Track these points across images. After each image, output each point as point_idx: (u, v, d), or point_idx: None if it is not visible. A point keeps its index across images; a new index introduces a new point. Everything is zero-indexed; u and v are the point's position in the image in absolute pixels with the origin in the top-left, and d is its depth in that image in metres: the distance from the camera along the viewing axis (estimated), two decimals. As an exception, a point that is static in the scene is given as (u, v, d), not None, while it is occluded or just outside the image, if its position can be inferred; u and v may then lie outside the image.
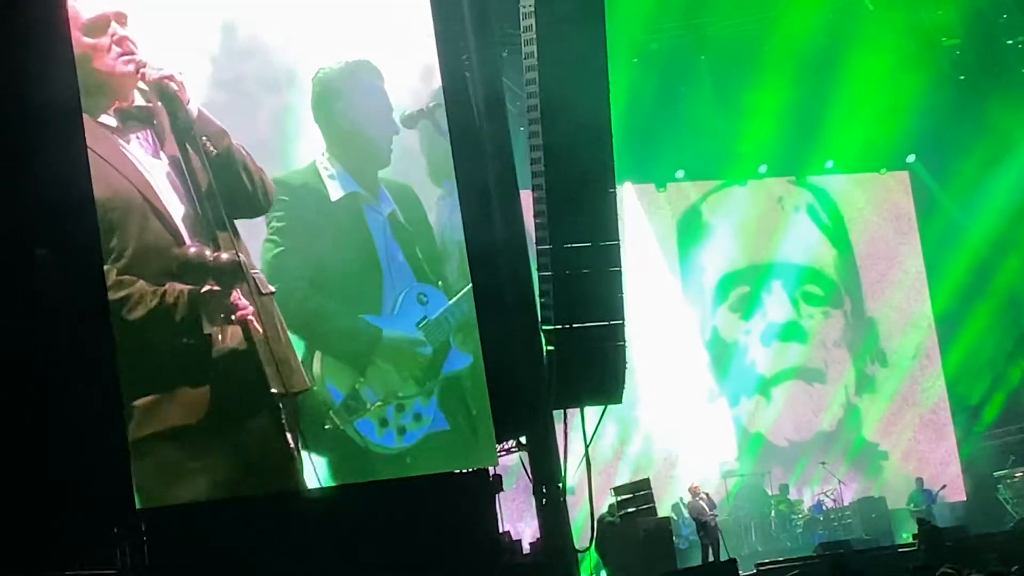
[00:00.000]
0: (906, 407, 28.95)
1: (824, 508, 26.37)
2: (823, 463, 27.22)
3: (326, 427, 16.79)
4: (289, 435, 16.16)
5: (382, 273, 17.60)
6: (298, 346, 16.56)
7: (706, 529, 21.52)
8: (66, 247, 15.57)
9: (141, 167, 15.78)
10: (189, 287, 15.69)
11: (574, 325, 18.43)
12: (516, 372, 18.23)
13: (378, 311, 17.46)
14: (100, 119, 15.73)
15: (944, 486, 27.08)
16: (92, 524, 15.57)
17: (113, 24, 15.76)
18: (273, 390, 15.99)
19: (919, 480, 26.90)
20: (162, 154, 15.93)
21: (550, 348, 18.37)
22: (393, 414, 17.31)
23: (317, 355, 16.88)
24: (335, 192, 17.39)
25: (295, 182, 17.13)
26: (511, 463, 19.65)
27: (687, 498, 22.53)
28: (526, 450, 18.76)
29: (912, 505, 26.16)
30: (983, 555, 17.60)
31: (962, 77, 27.46)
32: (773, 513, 26.16)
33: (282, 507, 16.14)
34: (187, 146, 15.93)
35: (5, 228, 15.26)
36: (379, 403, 17.20)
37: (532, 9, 18.02)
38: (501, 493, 18.16)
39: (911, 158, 29.24)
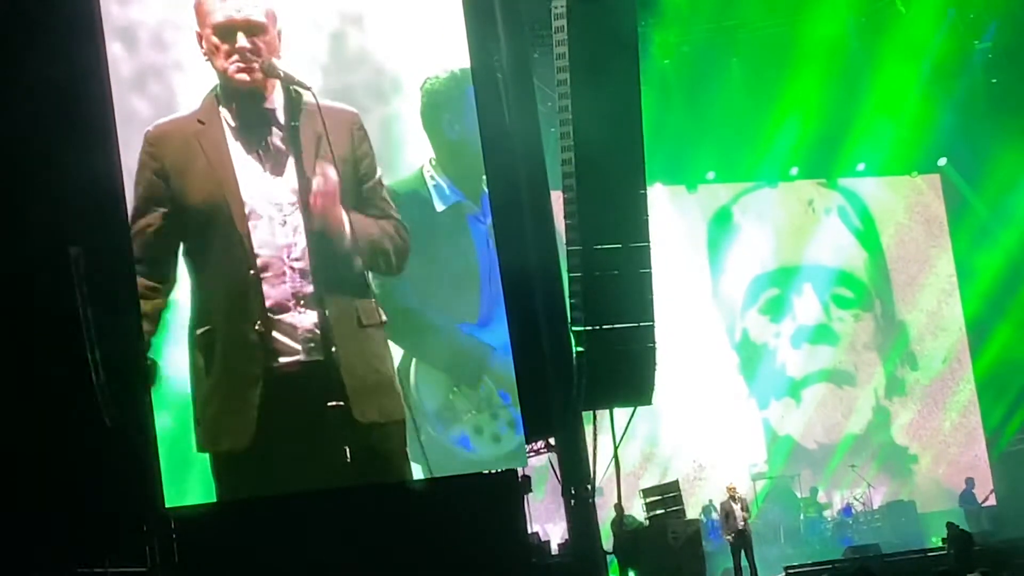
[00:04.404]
0: (936, 410, 28.84)
1: (854, 512, 26.32)
2: (853, 466, 27.15)
3: (421, 438, 16.93)
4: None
5: (480, 282, 17.81)
6: (395, 353, 16.78)
7: (734, 532, 21.31)
8: (98, 245, 15.68)
9: (246, 170, 16.02)
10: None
11: (604, 326, 18.43)
12: (546, 373, 18.23)
13: (474, 319, 17.66)
14: (224, 118, 16.04)
15: (992, 490, 26.96)
16: (122, 522, 15.67)
17: (239, 34, 15.97)
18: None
19: (969, 480, 26.72)
20: (276, 154, 16.14)
21: (580, 349, 18.35)
22: (488, 422, 17.45)
23: (413, 363, 17.10)
24: (440, 203, 17.58)
25: (403, 190, 17.33)
26: (540, 464, 19.64)
27: (723, 497, 22.25)
28: (555, 451, 18.78)
29: (965, 505, 25.95)
30: (1013, 560, 17.53)
31: (994, 80, 27.32)
32: (802, 516, 26.09)
33: (311, 506, 16.18)
34: (300, 150, 16.10)
35: (39, 226, 15.37)
36: (473, 411, 17.33)
37: (564, 10, 18.03)
38: (530, 494, 18.18)
39: (942, 161, 29.09)
